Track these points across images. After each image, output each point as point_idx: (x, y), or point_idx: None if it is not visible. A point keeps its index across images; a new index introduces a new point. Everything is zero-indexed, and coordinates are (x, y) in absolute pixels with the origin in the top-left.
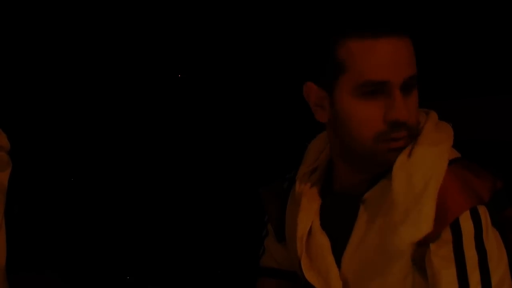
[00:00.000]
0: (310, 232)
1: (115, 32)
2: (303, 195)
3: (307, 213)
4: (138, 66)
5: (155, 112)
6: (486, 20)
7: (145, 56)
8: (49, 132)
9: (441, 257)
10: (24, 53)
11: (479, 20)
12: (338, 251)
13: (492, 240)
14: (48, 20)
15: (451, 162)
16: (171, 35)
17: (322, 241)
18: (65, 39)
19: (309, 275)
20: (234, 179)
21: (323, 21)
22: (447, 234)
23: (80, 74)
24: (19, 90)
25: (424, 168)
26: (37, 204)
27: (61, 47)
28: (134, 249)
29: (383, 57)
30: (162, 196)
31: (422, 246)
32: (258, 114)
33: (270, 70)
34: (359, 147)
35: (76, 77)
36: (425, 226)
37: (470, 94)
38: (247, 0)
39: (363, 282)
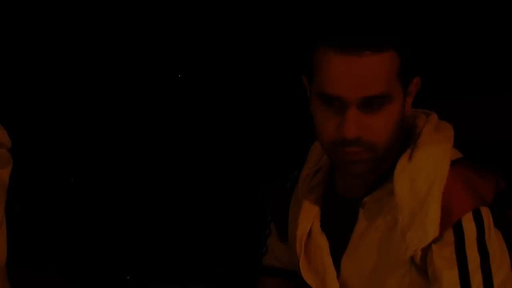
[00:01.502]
0: (310, 233)
1: (115, 32)
2: (305, 197)
3: (308, 214)
4: (138, 66)
5: (155, 112)
6: (486, 20)
7: (145, 56)
8: (50, 130)
9: (443, 258)
10: (25, 52)
11: (479, 20)
12: (337, 253)
13: (495, 241)
14: (48, 20)
15: (454, 163)
16: (171, 35)
17: (321, 242)
18: (65, 39)
19: (307, 276)
20: (237, 178)
21: (304, 26)
22: (449, 235)
23: (80, 74)
24: (20, 88)
25: (426, 171)
26: (38, 202)
27: (61, 47)
28: (135, 248)
29: (340, 73)
30: (164, 195)
31: (424, 247)
32: (261, 114)
33: (275, 70)
34: (322, 148)
35: (77, 76)
36: (432, 230)
37: (471, 94)
38: (246, 0)
39: (361, 284)
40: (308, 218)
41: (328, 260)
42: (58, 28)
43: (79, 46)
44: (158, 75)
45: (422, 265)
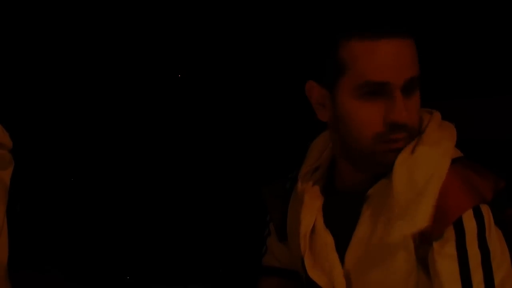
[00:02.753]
0: (313, 230)
1: (115, 32)
2: (306, 193)
3: (310, 210)
4: (138, 66)
5: (155, 112)
6: (489, 20)
7: (145, 56)
8: (51, 131)
9: (444, 256)
10: (26, 53)
11: (482, 20)
12: (341, 248)
13: (495, 239)
14: (48, 20)
15: (454, 161)
16: (171, 35)
17: (326, 238)
18: (66, 39)
19: (313, 273)
20: (236, 178)
21: (326, 21)
22: (450, 233)
23: (81, 74)
24: (21, 89)
25: (426, 166)
26: (39, 202)
27: (62, 47)
28: (136, 248)
29: (384, 58)
30: (164, 195)
31: (425, 245)
32: (260, 114)
33: (273, 70)
34: (359, 146)
35: (77, 77)
36: (420, 220)
37: (473, 94)
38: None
39: (366, 279)
40: (310, 214)
41: (334, 256)
42: (58, 29)
43: (78, 47)
44: (158, 75)
45: (427, 264)
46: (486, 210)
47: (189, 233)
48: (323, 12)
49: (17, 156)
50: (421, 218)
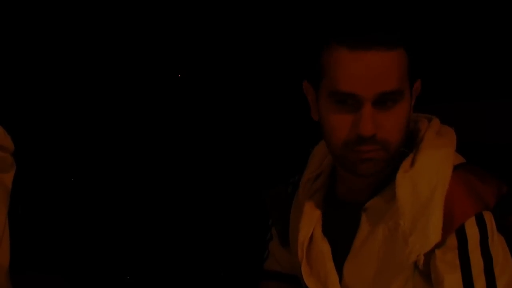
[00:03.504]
0: (311, 238)
1: (115, 32)
2: (306, 202)
3: (309, 219)
4: (138, 66)
5: (156, 113)
6: (487, 23)
7: (145, 56)
8: (52, 134)
9: (446, 263)
10: (26, 55)
11: (480, 23)
12: (339, 258)
13: (498, 246)
14: (49, 21)
15: (456, 168)
16: (171, 35)
17: (323, 247)
18: (66, 40)
19: (309, 281)
20: (239, 182)
21: (314, 26)
22: (452, 240)
23: (81, 76)
24: (22, 92)
25: (429, 175)
26: (41, 205)
27: (62, 49)
28: (137, 251)
29: (356, 69)
30: (166, 198)
31: (427, 252)
32: (263, 118)
33: (277, 73)
34: (332, 150)
35: (78, 79)
36: (434, 235)
37: (472, 97)
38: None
39: None
40: (309, 223)
41: (330, 265)
42: (58, 31)
43: (78, 48)
44: (158, 75)
45: (425, 270)
46: (488, 217)
47: (190, 236)
48: (312, 17)
49: (19, 159)
50: (434, 233)
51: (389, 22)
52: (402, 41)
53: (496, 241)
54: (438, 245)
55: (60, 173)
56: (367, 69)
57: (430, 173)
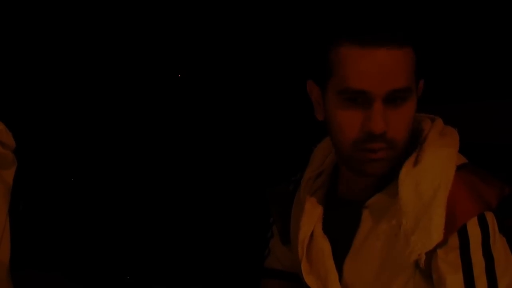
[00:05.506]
0: (312, 236)
1: (115, 32)
2: (307, 199)
3: (310, 217)
4: (138, 66)
5: (156, 113)
6: (488, 25)
7: (145, 56)
8: (53, 131)
9: (448, 263)
10: (27, 53)
11: (482, 25)
12: (340, 256)
13: (499, 246)
14: (49, 20)
15: (459, 168)
16: (171, 35)
17: (323, 245)
18: (66, 39)
19: (309, 279)
20: (240, 180)
21: (320, 24)
22: (454, 240)
23: (82, 75)
24: (23, 90)
25: (432, 175)
26: (42, 202)
27: (63, 48)
28: (138, 249)
29: (367, 66)
30: (166, 196)
31: (429, 251)
32: (265, 116)
33: (279, 72)
34: (340, 150)
35: (79, 77)
36: (436, 235)
37: (474, 98)
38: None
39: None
40: (310, 221)
41: (330, 263)
42: (58, 30)
43: (79, 48)
44: (158, 75)
45: (426, 270)
46: (490, 218)
47: (190, 234)
48: (319, 15)
49: (20, 156)
50: (436, 232)
51: (398, 20)
52: (410, 40)
53: (498, 242)
54: (440, 245)
55: (61, 170)
56: (378, 66)
57: (434, 172)
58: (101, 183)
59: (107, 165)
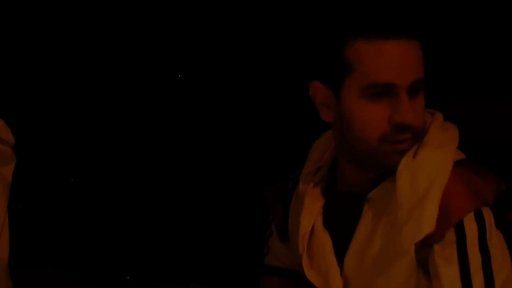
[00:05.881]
0: (312, 231)
1: (115, 32)
2: (307, 194)
3: (310, 212)
4: (138, 66)
5: (156, 112)
6: (488, 22)
7: (145, 56)
8: (53, 128)
9: (444, 258)
10: (27, 52)
11: (481, 22)
12: (340, 251)
13: (496, 242)
14: (49, 20)
15: (456, 164)
16: (171, 35)
17: (324, 240)
18: (66, 39)
19: (310, 274)
20: (238, 178)
21: (332, 21)
22: (451, 235)
23: (82, 73)
24: (23, 87)
25: (429, 169)
26: (41, 200)
27: (63, 47)
28: (138, 247)
29: (391, 59)
30: (166, 195)
31: (426, 247)
32: (262, 114)
33: (275, 70)
34: (363, 147)
35: (78, 76)
36: (427, 226)
37: (472, 95)
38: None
39: (366, 282)
40: (310, 215)
41: (331, 258)
42: (58, 28)
43: (79, 46)
44: (158, 75)
45: (427, 266)
46: (487, 213)
47: (190, 232)
48: (329, 11)
49: (19, 153)
50: (427, 223)
51: (411, 14)
52: (419, 32)
53: (495, 237)
54: (437, 240)
55: (61, 168)
56: (401, 58)
57: (431, 166)
58: (100, 181)
59: (106, 163)
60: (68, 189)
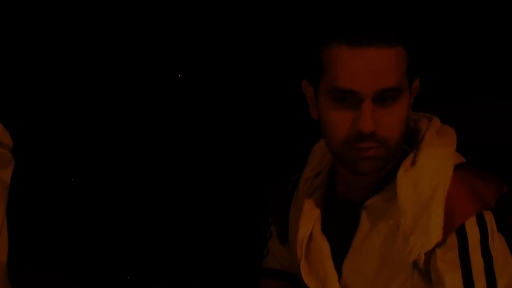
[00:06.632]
0: (311, 236)
1: (115, 32)
2: (306, 200)
3: (309, 217)
4: (138, 66)
5: (156, 113)
6: (486, 24)
7: (145, 56)
8: (51, 131)
9: (446, 263)
10: (26, 53)
11: (479, 24)
12: (339, 257)
13: (498, 245)
14: (48, 20)
15: (456, 167)
16: (171, 35)
17: (322, 246)
18: (66, 39)
19: (308, 280)
20: (239, 181)
21: (312, 24)
22: (453, 240)
23: (81, 74)
24: (22, 89)
25: (430, 175)
26: (40, 202)
27: (62, 47)
28: (136, 248)
29: (356, 66)
30: (165, 196)
31: (428, 252)
32: (263, 116)
33: (277, 72)
34: (332, 149)
35: (78, 77)
36: (435, 235)
37: (472, 97)
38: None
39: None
40: (309, 221)
41: (329, 264)
42: (58, 28)
43: (78, 47)
44: (158, 75)
45: (425, 269)
46: (489, 217)
47: (189, 234)
48: (310, 15)
49: (18, 156)
50: (435, 232)
51: (388, 19)
52: (402, 38)
53: (497, 241)
54: (439, 245)
55: (59, 170)
56: (367, 66)
57: (431, 172)
58: (99, 183)
59: (105, 165)
60: (67, 191)
